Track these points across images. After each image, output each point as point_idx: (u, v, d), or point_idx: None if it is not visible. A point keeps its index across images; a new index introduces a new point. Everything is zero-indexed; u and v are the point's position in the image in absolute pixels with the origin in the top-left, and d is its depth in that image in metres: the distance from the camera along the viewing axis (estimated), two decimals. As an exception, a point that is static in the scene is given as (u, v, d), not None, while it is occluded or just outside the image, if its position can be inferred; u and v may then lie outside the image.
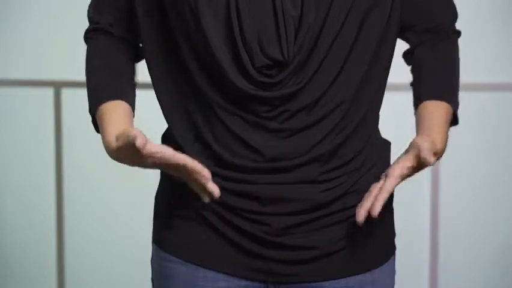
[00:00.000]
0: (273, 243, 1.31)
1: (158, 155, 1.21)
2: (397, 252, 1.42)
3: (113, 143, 1.27)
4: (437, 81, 1.40)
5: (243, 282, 1.33)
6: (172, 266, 1.36)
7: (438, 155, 1.32)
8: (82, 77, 1.39)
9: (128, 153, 1.23)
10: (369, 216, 1.26)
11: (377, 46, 1.31)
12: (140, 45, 1.40)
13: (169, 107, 1.35)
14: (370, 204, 1.26)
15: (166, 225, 1.38)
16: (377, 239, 1.36)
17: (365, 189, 1.29)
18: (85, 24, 1.43)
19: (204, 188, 1.23)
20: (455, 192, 2.66)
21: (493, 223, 2.66)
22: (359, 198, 1.29)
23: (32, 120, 2.85)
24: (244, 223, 1.31)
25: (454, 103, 1.39)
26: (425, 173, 2.62)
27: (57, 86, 2.82)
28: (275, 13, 1.25)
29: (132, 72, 1.40)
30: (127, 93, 1.36)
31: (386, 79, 1.37)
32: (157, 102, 1.36)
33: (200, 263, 1.34)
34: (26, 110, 2.85)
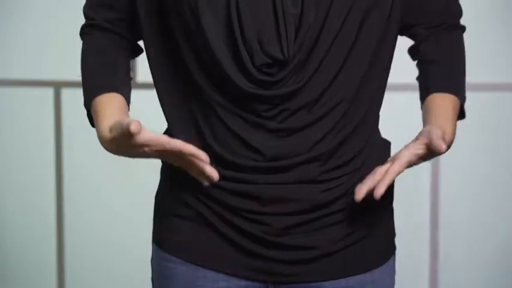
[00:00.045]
0: (273, 243, 1.31)
1: (154, 142, 1.20)
2: (397, 252, 1.42)
3: (108, 135, 1.27)
4: (444, 74, 1.39)
5: (243, 282, 1.33)
6: (172, 266, 1.36)
7: (447, 146, 1.30)
8: (82, 77, 1.40)
9: (123, 143, 1.22)
10: (368, 202, 1.24)
11: (377, 46, 1.31)
12: (138, 43, 1.41)
13: (169, 106, 1.35)
14: (373, 184, 1.25)
15: (166, 225, 1.38)
16: (377, 239, 1.36)
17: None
18: (85, 24, 1.43)
19: (202, 172, 1.23)
20: (455, 192, 2.66)
21: (493, 223, 2.66)
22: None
23: (32, 120, 2.85)
24: (244, 223, 1.31)
25: (461, 96, 1.38)
26: (425, 173, 2.63)
27: (57, 86, 2.82)
28: (275, 12, 1.25)
29: (127, 67, 1.40)
30: (121, 86, 1.36)
31: (386, 79, 1.37)
32: (157, 102, 1.36)
33: (200, 263, 1.34)
34: (26, 110, 2.85)
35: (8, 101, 2.85)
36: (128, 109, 1.35)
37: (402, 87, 2.40)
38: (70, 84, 2.79)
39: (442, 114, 1.34)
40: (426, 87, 1.39)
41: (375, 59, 1.32)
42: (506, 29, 2.60)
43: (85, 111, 1.37)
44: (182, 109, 1.33)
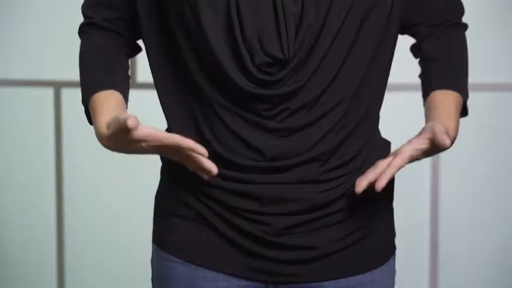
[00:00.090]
0: (273, 243, 1.31)
1: (151, 138, 1.20)
2: (397, 252, 1.42)
3: (105, 131, 1.27)
4: (446, 71, 1.39)
5: (243, 282, 1.33)
6: (172, 266, 1.36)
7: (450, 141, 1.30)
8: (82, 77, 1.39)
9: (120, 139, 1.22)
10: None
11: (376, 45, 1.31)
12: (137, 42, 1.41)
13: (169, 106, 1.35)
14: (374, 177, 1.24)
15: (166, 225, 1.38)
16: (377, 239, 1.36)
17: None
18: (85, 24, 1.43)
19: (201, 167, 1.23)
20: (455, 192, 2.66)
21: (493, 223, 2.66)
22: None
23: (32, 120, 2.85)
24: (244, 223, 1.31)
25: (463, 93, 1.38)
26: (425, 173, 2.63)
27: (57, 86, 2.82)
28: (275, 10, 1.25)
29: (125, 66, 1.40)
30: (119, 83, 1.36)
31: (387, 78, 1.37)
32: (157, 102, 1.36)
33: (200, 263, 1.34)
34: (26, 110, 2.85)
35: (8, 101, 2.85)
36: (126, 107, 1.35)
37: (402, 87, 2.40)
38: (70, 84, 2.79)
39: (445, 111, 1.34)
40: (429, 84, 1.39)
41: (375, 58, 1.32)
42: (506, 29, 2.60)
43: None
44: (183, 109, 1.33)
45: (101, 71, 1.36)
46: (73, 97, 2.78)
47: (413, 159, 1.27)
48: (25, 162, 2.86)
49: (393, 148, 1.40)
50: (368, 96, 1.33)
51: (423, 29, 1.41)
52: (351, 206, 1.32)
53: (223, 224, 1.32)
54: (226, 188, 1.30)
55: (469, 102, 1.40)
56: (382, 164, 1.25)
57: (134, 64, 2.55)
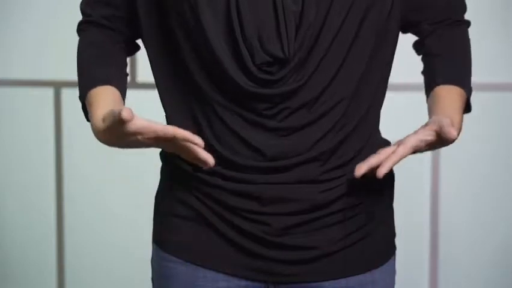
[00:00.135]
0: (273, 243, 1.31)
1: (146, 130, 1.19)
2: (397, 252, 1.42)
3: (101, 125, 1.27)
4: (449, 66, 1.39)
5: (243, 282, 1.33)
6: (172, 266, 1.36)
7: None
8: (82, 77, 1.39)
9: (115, 132, 1.21)
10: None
11: (376, 44, 1.31)
12: (136, 41, 1.41)
13: (169, 105, 1.35)
14: (376, 163, 1.24)
15: (166, 225, 1.37)
16: (377, 239, 1.36)
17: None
18: (85, 24, 1.43)
19: (197, 157, 1.23)
20: (455, 192, 2.66)
21: (493, 223, 2.66)
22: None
23: (32, 120, 2.85)
24: (244, 223, 1.31)
25: (466, 88, 1.38)
26: (425, 173, 2.63)
27: (57, 86, 2.82)
28: (275, 9, 1.25)
29: (123, 63, 1.40)
30: (117, 79, 1.35)
31: (387, 78, 1.37)
32: (157, 102, 1.36)
33: (200, 263, 1.34)
34: (26, 110, 2.85)
35: (8, 101, 2.85)
36: (124, 103, 1.35)
37: (402, 87, 2.40)
38: (70, 84, 2.78)
39: (450, 105, 1.34)
40: (433, 78, 1.38)
41: (375, 57, 1.32)
42: (506, 29, 2.60)
43: (84, 111, 1.37)
44: (183, 108, 1.33)
45: (98, 66, 1.36)
46: (73, 97, 2.77)
47: (416, 150, 1.26)
48: (25, 162, 2.86)
49: (393, 148, 1.40)
50: (368, 96, 1.33)
51: (426, 27, 1.40)
52: (351, 206, 1.32)
53: (223, 224, 1.32)
54: (226, 188, 1.30)
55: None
56: (386, 150, 1.25)
57: (134, 64, 2.55)
